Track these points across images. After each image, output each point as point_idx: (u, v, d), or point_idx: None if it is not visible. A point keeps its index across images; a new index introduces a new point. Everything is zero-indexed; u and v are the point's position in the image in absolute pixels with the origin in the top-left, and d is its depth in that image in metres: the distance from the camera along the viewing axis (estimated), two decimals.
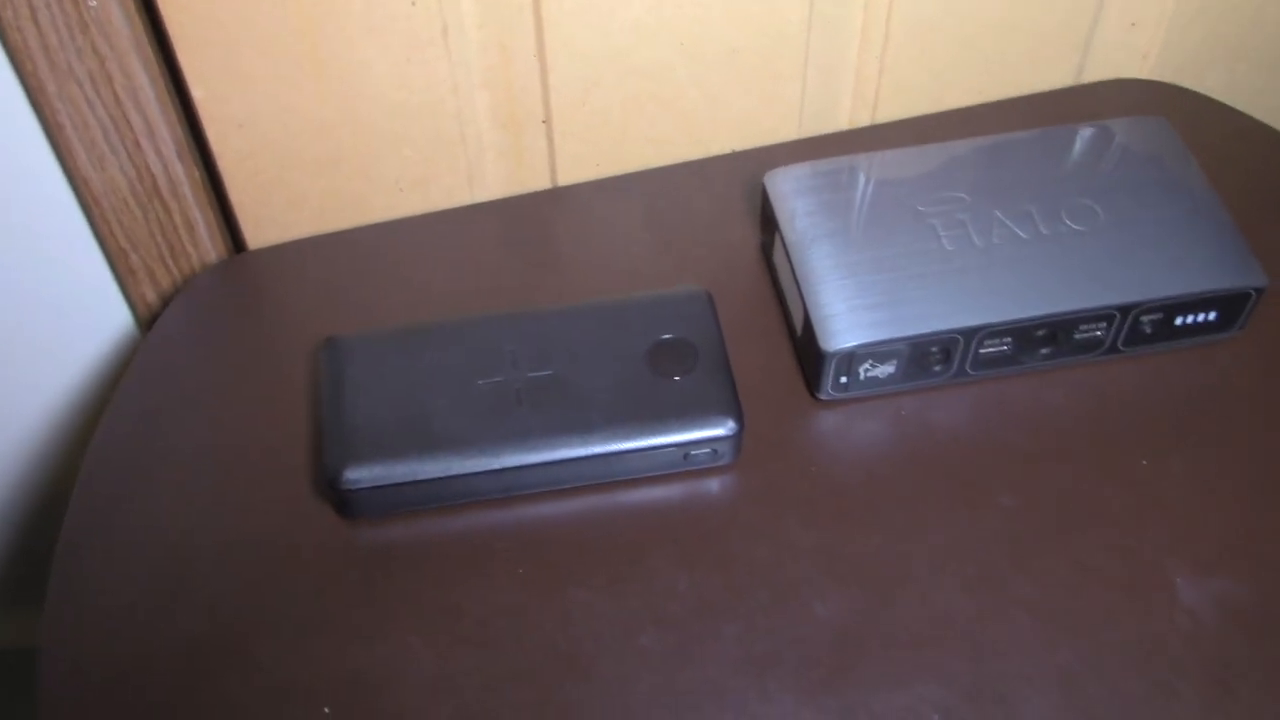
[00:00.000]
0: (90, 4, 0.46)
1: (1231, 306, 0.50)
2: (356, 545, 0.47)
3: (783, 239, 0.51)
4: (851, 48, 0.60)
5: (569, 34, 0.54)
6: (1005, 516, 0.47)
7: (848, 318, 0.48)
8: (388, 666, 0.43)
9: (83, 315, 0.56)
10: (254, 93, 0.52)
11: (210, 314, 0.55)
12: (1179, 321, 0.50)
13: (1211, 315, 0.50)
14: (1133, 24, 0.64)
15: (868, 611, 0.45)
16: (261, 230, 0.58)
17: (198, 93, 0.52)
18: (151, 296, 0.57)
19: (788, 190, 0.52)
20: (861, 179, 0.52)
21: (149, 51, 0.49)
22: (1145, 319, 0.49)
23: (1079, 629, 0.44)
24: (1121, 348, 0.50)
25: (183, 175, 0.54)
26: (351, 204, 0.58)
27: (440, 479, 0.46)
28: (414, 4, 0.51)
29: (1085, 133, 0.54)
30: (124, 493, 0.48)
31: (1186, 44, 0.66)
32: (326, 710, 0.43)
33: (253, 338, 0.54)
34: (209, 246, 0.57)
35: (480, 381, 0.47)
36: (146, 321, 0.58)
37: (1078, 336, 0.49)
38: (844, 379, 0.49)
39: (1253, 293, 0.49)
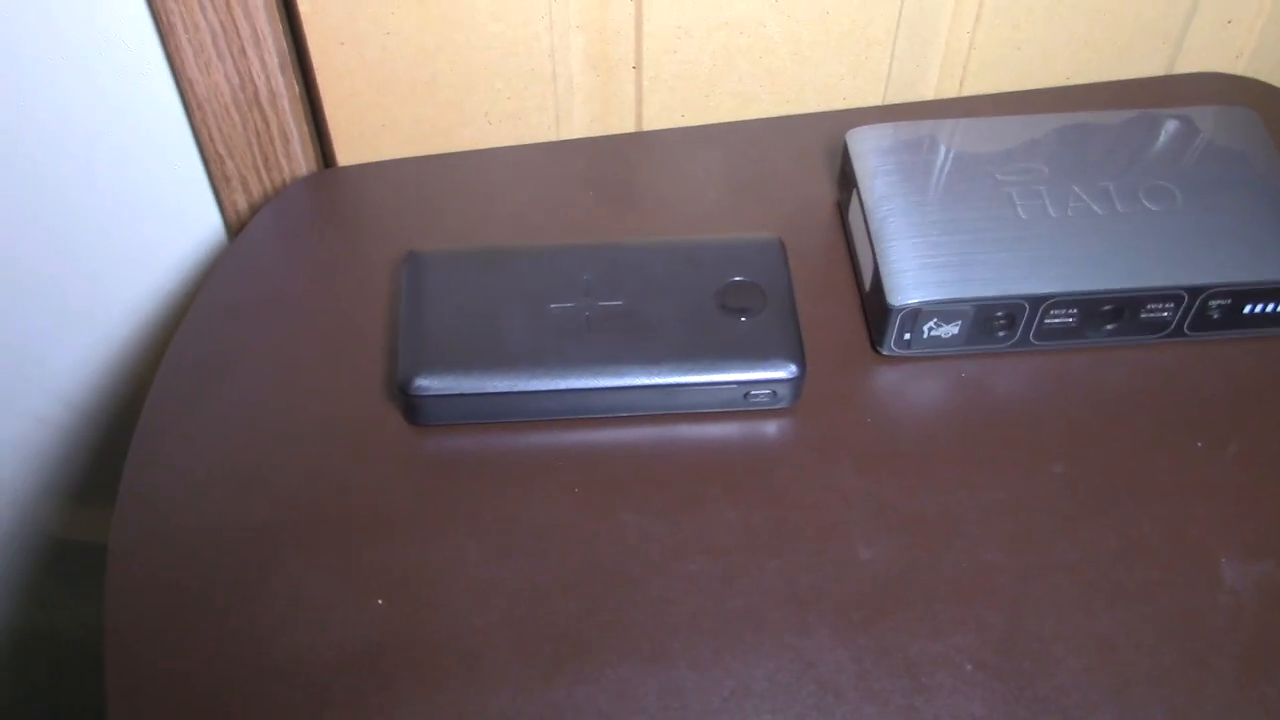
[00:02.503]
0: None
1: None
2: (422, 451, 0.48)
3: (860, 196, 0.52)
4: (943, 19, 0.60)
5: None
6: (1056, 483, 0.48)
7: (916, 275, 0.49)
8: (440, 566, 0.45)
9: (176, 215, 0.58)
10: (357, 12, 0.54)
11: (297, 223, 0.57)
12: (1247, 310, 0.50)
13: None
14: (1229, 21, 0.64)
15: (911, 560, 0.45)
16: (353, 149, 0.60)
17: (304, 7, 0.53)
18: (243, 204, 0.59)
19: (868, 149, 0.53)
20: (942, 144, 0.53)
21: None
22: (1213, 304, 0.50)
23: (1119, 597, 0.45)
24: (1188, 331, 0.51)
25: (283, 87, 0.55)
26: (442, 131, 0.60)
27: (506, 394, 0.47)
28: None
29: (1170, 118, 0.54)
30: (200, 388, 0.50)
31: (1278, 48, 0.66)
32: (380, 602, 0.44)
33: (337, 248, 0.56)
34: (301, 160, 0.59)
35: (553, 305, 0.49)
36: (236, 228, 0.60)
37: (1144, 315, 0.50)
38: (908, 336, 0.50)
39: None
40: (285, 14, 0.54)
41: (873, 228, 0.51)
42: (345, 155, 0.60)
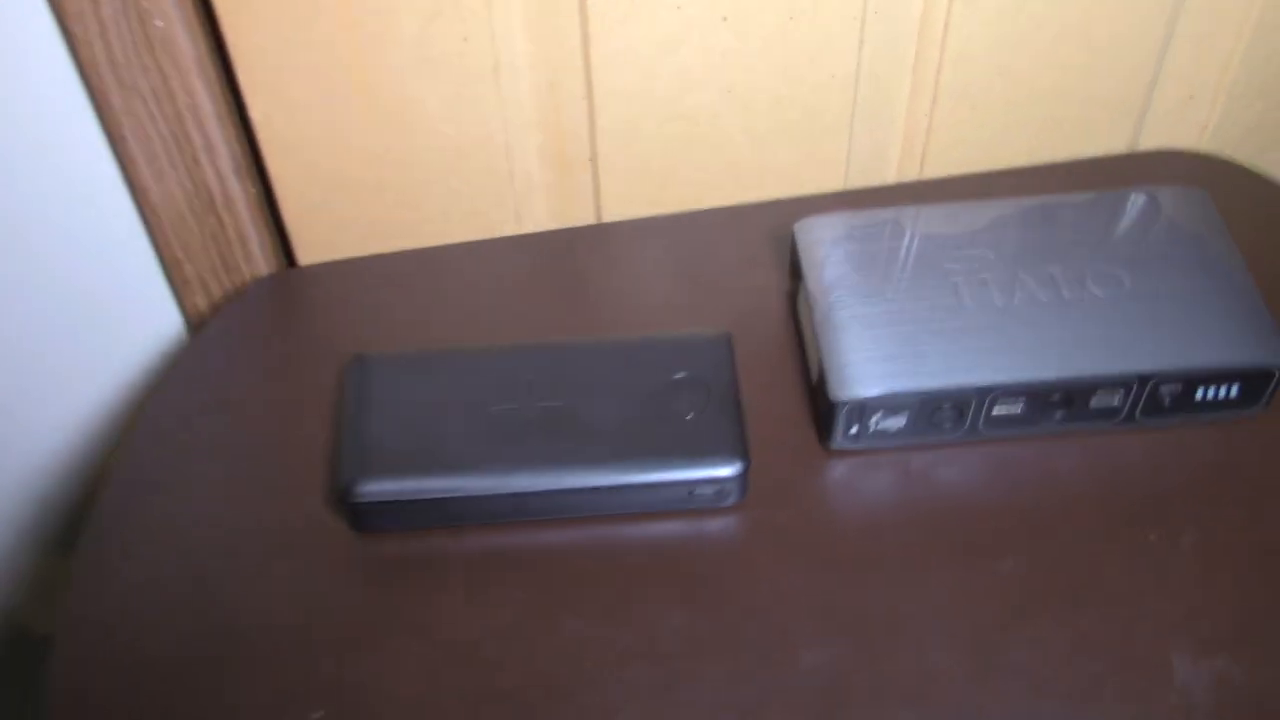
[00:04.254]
0: (156, 24, 0.49)
1: (1254, 384, 0.49)
2: (365, 558, 0.48)
3: (806, 287, 0.52)
4: (900, 104, 0.61)
5: (617, 77, 0.56)
6: (1005, 580, 0.47)
7: (862, 368, 0.48)
8: (380, 677, 0.45)
9: (137, 320, 0.58)
10: (308, 118, 0.55)
11: (251, 326, 0.57)
12: (1199, 395, 0.49)
13: (1233, 391, 0.49)
14: (1190, 96, 0.64)
15: (856, 663, 0.45)
16: (312, 249, 0.60)
17: (255, 114, 0.54)
18: (204, 306, 0.60)
19: (816, 239, 0.53)
20: (890, 233, 0.53)
21: (211, 72, 0.52)
22: (1164, 389, 0.49)
23: (1069, 698, 0.44)
24: (1139, 418, 0.50)
25: (238, 192, 0.56)
26: (399, 231, 0.60)
27: (447, 498, 0.47)
28: (466, 40, 0.53)
29: (1121, 199, 0.54)
30: (146, 498, 0.51)
31: (1246, 118, 0.65)
32: (320, 715, 0.44)
33: (290, 351, 0.56)
34: (261, 261, 0.59)
35: (494, 408, 0.49)
36: (198, 329, 0.60)
37: (1094, 404, 0.49)
38: (854, 429, 0.49)
39: (1276, 371, 0.49)
40: (239, 120, 0.55)
41: (817, 320, 0.51)
42: (306, 254, 0.60)
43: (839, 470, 0.50)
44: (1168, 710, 0.43)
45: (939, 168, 0.64)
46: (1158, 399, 0.49)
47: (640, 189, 0.61)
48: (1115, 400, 0.49)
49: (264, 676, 0.45)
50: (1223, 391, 0.49)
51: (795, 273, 0.54)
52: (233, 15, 0.50)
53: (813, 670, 0.45)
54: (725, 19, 0.54)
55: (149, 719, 0.44)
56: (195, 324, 0.60)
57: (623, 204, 0.62)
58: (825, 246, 0.53)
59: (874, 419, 0.49)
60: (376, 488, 0.47)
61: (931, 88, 0.60)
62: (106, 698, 0.45)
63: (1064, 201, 0.54)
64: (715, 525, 0.49)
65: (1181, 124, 0.65)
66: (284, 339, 0.57)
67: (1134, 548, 0.48)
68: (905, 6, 0.56)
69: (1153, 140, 0.65)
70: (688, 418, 0.49)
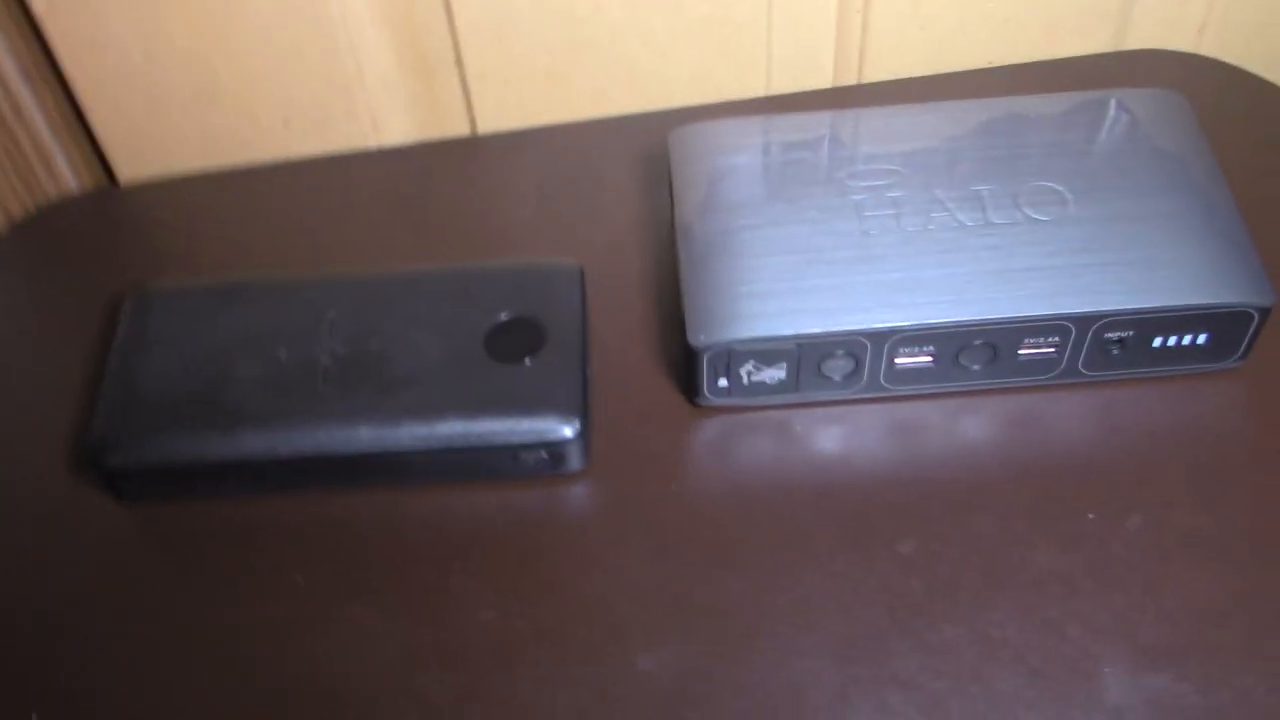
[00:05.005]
0: None
1: (1228, 329, 0.39)
2: (124, 534, 0.40)
3: (676, 209, 0.43)
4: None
5: None
6: (902, 569, 0.38)
7: (730, 307, 0.39)
8: (119, 674, 0.37)
9: None
10: (104, 13, 0.46)
11: (44, 252, 0.49)
12: (1158, 343, 0.40)
13: (1201, 338, 0.40)
14: None
15: (704, 671, 0.36)
16: (136, 165, 0.52)
17: (38, 8, 0.45)
18: (4, 230, 0.51)
19: (692, 152, 0.44)
20: (782, 144, 0.43)
21: None
22: (1111, 336, 0.39)
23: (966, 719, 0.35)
24: (1084, 371, 0.40)
25: (31, 102, 0.48)
26: (238, 143, 0.52)
27: (219, 463, 0.39)
28: None
29: (1074, 102, 0.44)
30: None
31: (1251, 18, 0.55)
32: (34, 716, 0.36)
33: (87, 282, 0.48)
34: (69, 179, 0.51)
35: (283, 353, 0.40)
36: None
37: (1023, 354, 0.40)
38: (723, 382, 0.40)
39: (1254, 313, 0.39)
40: (23, 18, 0.46)
41: (683, 249, 0.41)
42: (128, 171, 0.52)
43: (704, 433, 0.41)
44: None
45: (880, 73, 0.54)
46: (1104, 348, 0.40)
47: (519, 97, 0.52)
48: (1050, 349, 0.40)
49: None
50: (1188, 339, 0.40)
51: (670, 188, 0.45)
52: None
53: (649, 675, 0.36)
54: None
55: None
56: None
57: (499, 115, 0.53)
58: (700, 160, 0.43)
59: (746, 369, 0.40)
60: (134, 451, 0.39)
61: None
62: None
63: (1003, 106, 0.44)
64: (546, 498, 0.40)
65: (1174, 25, 0.55)
66: (80, 267, 0.48)
67: (1066, 531, 0.38)
68: None
69: (1136, 43, 0.55)
70: (520, 365, 0.40)
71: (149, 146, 0.51)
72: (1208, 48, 0.56)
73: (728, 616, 0.37)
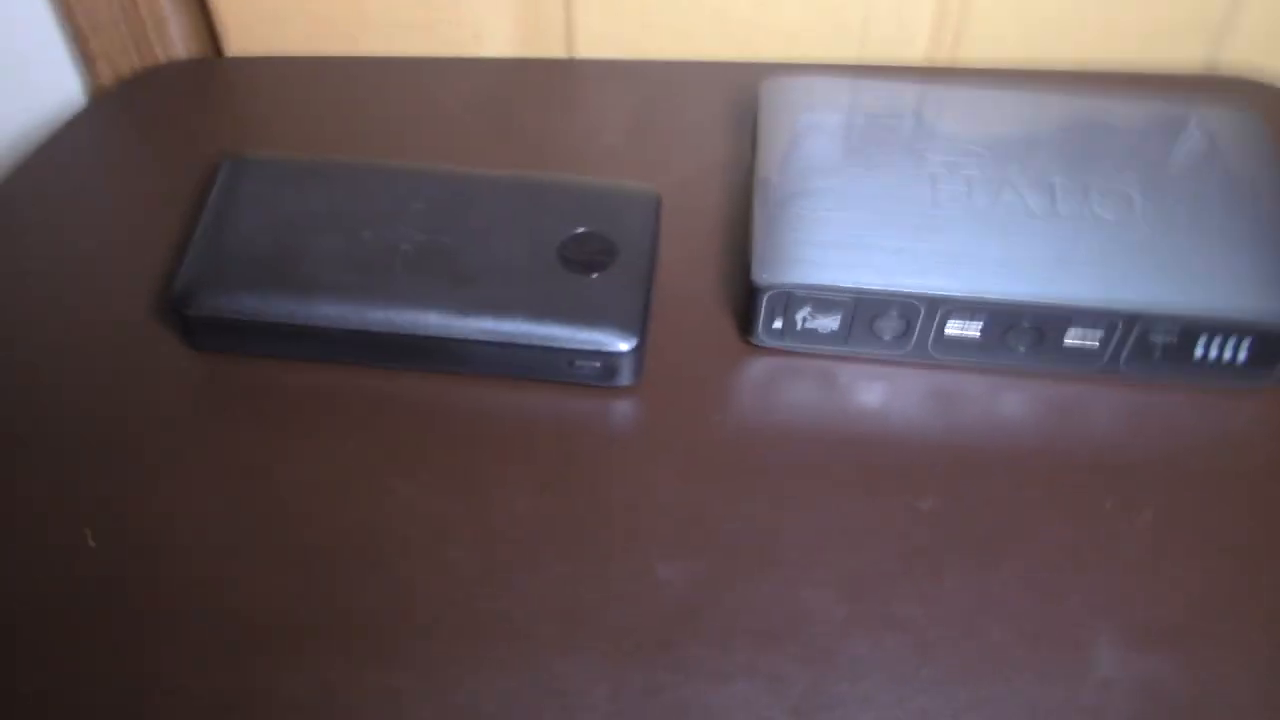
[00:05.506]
0: None
1: (1267, 345, 0.41)
2: (191, 379, 0.42)
3: (758, 154, 0.44)
4: None
5: None
6: (919, 521, 0.39)
7: (795, 251, 0.41)
8: (176, 514, 0.39)
9: (35, 91, 0.53)
10: None
11: (152, 109, 0.51)
12: (1199, 351, 0.41)
13: (1241, 352, 0.41)
14: None
15: (711, 586, 0.38)
16: (243, 42, 0.54)
17: None
18: (111, 84, 0.53)
19: (782, 102, 0.45)
20: (869, 106, 0.45)
21: None
22: (1155, 336, 0.41)
23: (958, 671, 0.36)
24: (1122, 367, 0.42)
25: None
26: (342, 33, 0.53)
27: (282, 325, 0.41)
28: None
29: (1155, 111, 0.45)
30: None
31: None
32: (91, 543, 0.38)
33: (184, 142, 0.50)
34: (179, 44, 0.53)
35: (367, 233, 0.42)
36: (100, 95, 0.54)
37: (1068, 342, 0.41)
38: (778, 324, 0.42)
39: None
40: None
41: (759, 193, 0.43)
42: (235, 45, 0.54)
43: (753, 368, 0.43)
44: (1076, 704, 0.36)
45: (972, 55, 0.55)
46: (1147, 347, 0.41)
47: (619, 27, 0.54)
48: (1094, 341, 0.41)
49: (46, 482, 0.39)
50: (1228, 351, 0.41)
51: (755, 133, 0.47)
52: None
53: (662, 584, 0.38)
54: None
55: None
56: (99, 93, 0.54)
57: (598, 41, 0.54)
58: (791, 111, 0.45)
59: (801, 315, 0.41)
60: (210, 302, 0.41)
61: None
62: None
63: (1087, 103, 0.45)
64: (594, 406, 0.42)
65: (1270, 47, 0.55)
66: (178, 129, 0.51)
67: (1081, 512, 0.40)
68: None
69: (1232, 63, 0.56)
70: (586, 278, 0.42)
71: (258, 23, 0.53)
72: None
73: (745, 540, 0.39)
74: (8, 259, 0.46)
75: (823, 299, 0.41)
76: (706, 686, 0.36)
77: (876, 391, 0.42)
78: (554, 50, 0.55)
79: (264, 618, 0.37)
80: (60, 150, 0.49)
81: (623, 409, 0.42)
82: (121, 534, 0.38)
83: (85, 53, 0.51)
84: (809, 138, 0.44)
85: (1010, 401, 0.42)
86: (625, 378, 0.41)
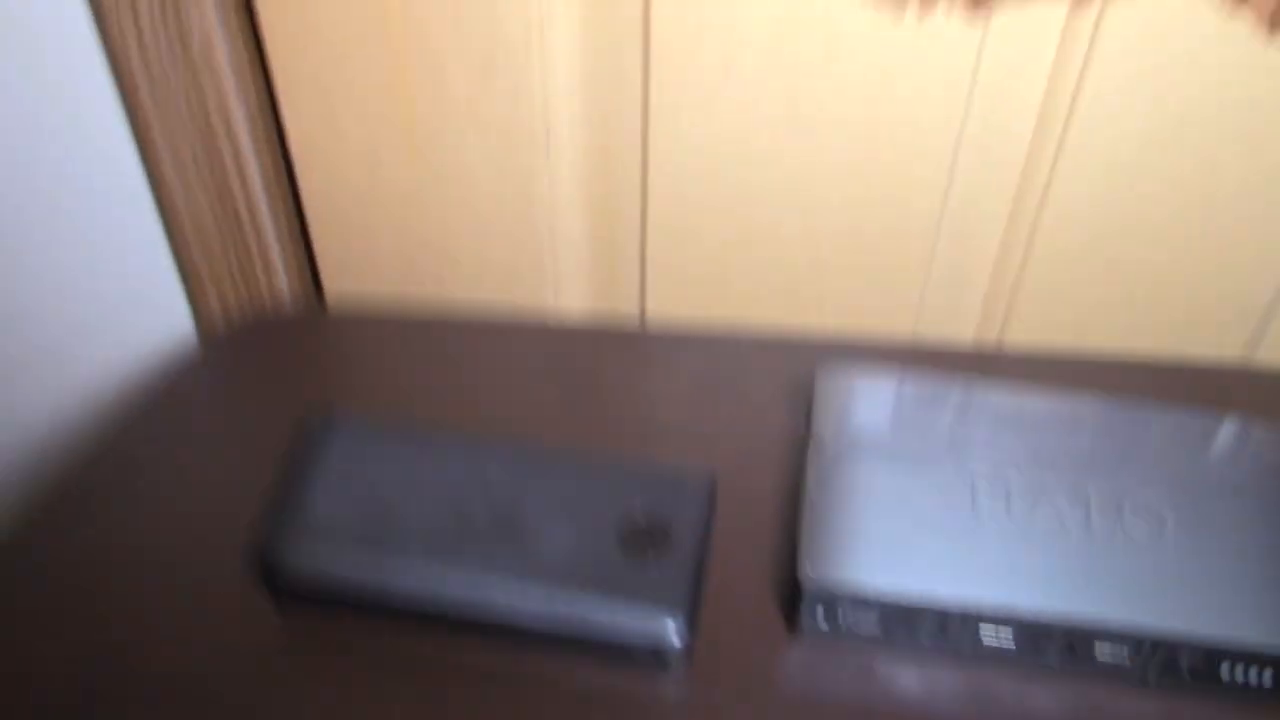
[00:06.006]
0: (192, 19, 0.47)
1: None
2: (275, 631, 0.45)
3: (812, 442, 0.47)
4: (983, 259, 0.55)
5: (676, 167, 0.52)
6: None
7: (837, 551, 0.43)
8: None
9: (148, 320, 0.57)
10: (347, 150, 0.52)
11: (254, 359, 0.55)
12: (1224, 674, 0.43)
13: (1265, 677, 0.43)
14: None
15: None
16: (340, 275, 0.58)
17: (291, 131, 0.52)
18: (217, 313, 0.58)
19: (836, 391, 0.48)
20: (918, 403, 0.48)
21: (249, 82, 0.50)
22: (1182, 659, 0.42)
23: None
24: (1152, 681, 0.44)
25: (265, 209, 0.54)
26: (430, 275, 0.58)
27: (362, 590, 0.44)
28: (515, 101, 0.50)
29: (1199, 423, 0.48)
30: (104, 503, 0.49)
31: None
32: None
33: (277, 400, 0.54)
34: (283, 278, 0.57)
35: (445, 505, 0.45)
36: (207, 338, 0.58)
37: (1099, 657, 0.43)
38: (822, 617, 0.44)
39: None
40: (277, 139, 0.53)
41: (809, 485, 0.46)
42: (333, 280, 0.58)
43: (798, 656, 0.45)
44: None
45: (1022, 335, 0.58)
46: (1174, 665, 0.43)
47: (688, 290, 0.57)
48: (1124, 656, 0.43)
49: None
50: (1254, 675, 0.43)
51: (808, 423, 0.49)
52: (277, 29, 0.48)
53: None
54: (795, 126, 0.50)
55: None
56: (208, 331, 0.58)
57: (668, 301, 0.58)
58: (843, 402, 0.48)
59: (843, 610, 0.44)
60: (300, 563, 0.44)
61: (1023, 247, 0.54)
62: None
63: (1125, 410, 0.48)
64: (644, 687, 0.44)
65: None
66: (277, 383, 0.54)
67: None
68: (1006, 147, 0.50)
69: (1273, 350, 0.58)
70: (643, 561, 0.44)
71: (354, 263, 0.57)
72: None
73: None
74: (114, 501, 0.49)
75: (861, 602, 0.43)
76: None
77: (914, 686, 0.44)
78: (628, 308, 0.58)
79: None
80: (172, 400, 0.53)
81: (672, 689, 0.44)
82: None
83: (195, 285, 0.56)
84: (858, 435, 0.47)
85: (1044, 704, 0.44)
86: (674, 663, 0.44)
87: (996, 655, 0.44)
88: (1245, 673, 0.43)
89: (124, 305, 0.55)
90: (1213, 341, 0.58)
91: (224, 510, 0.49)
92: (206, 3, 0.46)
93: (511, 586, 0.43)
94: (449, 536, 0.44)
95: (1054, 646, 0.43)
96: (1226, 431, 0.48)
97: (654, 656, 0.44)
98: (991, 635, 0.43)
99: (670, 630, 0.43)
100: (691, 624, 0.43)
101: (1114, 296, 0.56)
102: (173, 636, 0.45)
